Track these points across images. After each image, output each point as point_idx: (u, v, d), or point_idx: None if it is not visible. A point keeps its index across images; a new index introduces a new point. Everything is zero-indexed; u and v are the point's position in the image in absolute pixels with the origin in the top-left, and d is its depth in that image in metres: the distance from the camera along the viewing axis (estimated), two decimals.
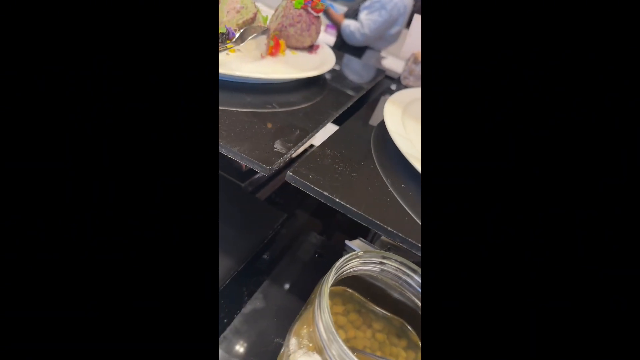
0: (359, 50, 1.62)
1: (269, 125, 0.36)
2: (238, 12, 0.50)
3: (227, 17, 0.50)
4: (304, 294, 0.41)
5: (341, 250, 0.46)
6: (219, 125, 0.33)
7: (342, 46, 1.60)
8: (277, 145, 0.33)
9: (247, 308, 0.39)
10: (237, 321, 0.37)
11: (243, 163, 0.31)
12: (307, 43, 0.54)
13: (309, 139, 0.37)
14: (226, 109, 0.36)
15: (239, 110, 0.37)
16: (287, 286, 0.42)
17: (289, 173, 0.30)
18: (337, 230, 0.60)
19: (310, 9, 0.53)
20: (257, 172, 0.59)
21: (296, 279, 0.43)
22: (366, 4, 1.56)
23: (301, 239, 0.49)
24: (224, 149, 0.31)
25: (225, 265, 0.42)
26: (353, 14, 1.60)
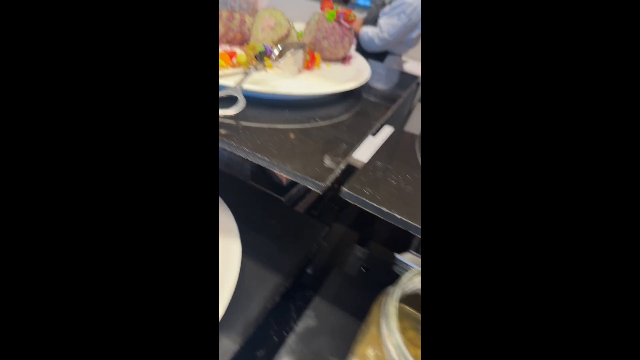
0: (379, 55, 1.61)
1: (316, 141, 0.36)
2: (272, 29, 0.51)
3: (262, 34, 0.51)
4: (356, 310, 0.40)
5: (389, 264, 0.45)
6: (270, 145, 0.33)
7: (361, 54, 1.59)
8: (327, 161, 0.33)
9: (300, 327, 0.38)
10: (291, 340, 0.37)
11: (296, 180, 0.31)
12: (341, 54, 0.54)
13: (354, 152, 0.36)
14: (273, 126, 0.36)
15: (285, 127, 0.37)
16: (338, 303, 0.41)
17: (344, 189, 0.29)
18: (376, 241, 0.59)
19: (342, 21, 0.53)
20: (295, 185, 0.59)
21: (346, 295, 0.42)
22: (385, 9, 1.55)
23: (345, 253, 0.48)
24: (277, 167, 0.31)
25: (274, 282, 0.42)
26: (372, 21, 1.60)
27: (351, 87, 0.43)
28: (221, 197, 0.49)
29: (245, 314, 0.38)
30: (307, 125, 0.38)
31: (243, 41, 0.53)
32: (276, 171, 0.31)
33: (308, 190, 0.62)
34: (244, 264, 0.43)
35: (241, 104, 0.34)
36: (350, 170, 0.35)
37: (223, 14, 0.50)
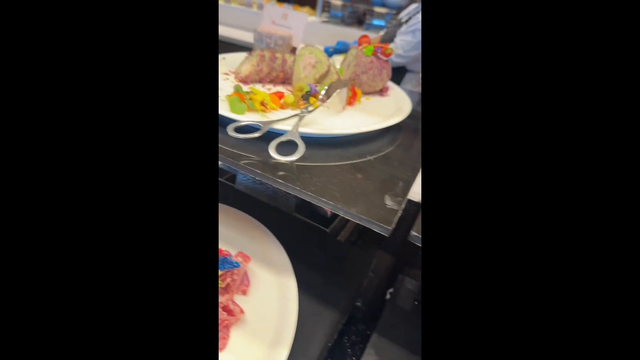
0: (397, 74, 1.63)
1: (372, 180, 0.36)
2: (314, 67, 0.53)
3: (304, 72, 0.53)
4: (415, 346, 0.40)
5: None
6: (330, 186, 0.34)
7: None
8: (388, 201, 0.33)
9: None
10: None
11: (362, 224, 0.31)
12: (379, 87, 0.55)
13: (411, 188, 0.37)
14: (328, 165, 0.37)
15: (339, 164, 0.38)
16: (395, 339, 0.41)
17: (413, 233, 0.30)
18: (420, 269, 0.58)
19: (380, 55, 0.54)
20: (338, 215, 0.60)
21: (403, 330, 0.42)
22: (402, 29, 1.58)
23: (397, 285, 0.48)
24: (342, 211, 0.32)
25: (330, 318, 0.42)
26: (389, 41, 1.63)
27: (398, 120, 0.44)
28: (270, 230, 0.50)
29: (307, 353, 0.38)
30: (360, 163, 0.39)
31: (285, 80, 0.55)
32: (341, 214, 0.32)
33: (347, 220, 0.62)
34: (299, 299, 0.43)
35: (302, 149, 0.35)
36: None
37: (266, 54, 0.53)
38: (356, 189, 0.34)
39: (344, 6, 2.10)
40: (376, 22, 1.98)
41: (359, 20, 2.14)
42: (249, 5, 2.21)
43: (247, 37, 2.04)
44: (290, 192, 0.34)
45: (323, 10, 2.19)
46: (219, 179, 0.62)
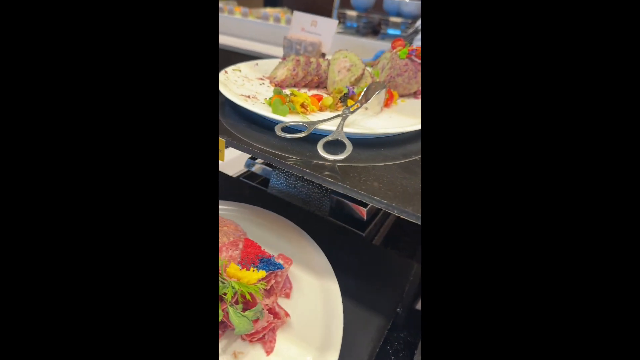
0: None
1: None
2: (349, 70, 0.53)
3: (339, 76, 0.53)
4: None
5: None
6: (381, 185, 0.33)
7: None
8: None
9: None
10: None
11: (419, 223, 0.31)
12: (414, 89, 0.55)
13: None
14: (376, 164, 0.37)
15: (386, 164, 0.37)
16: None
17: None
18: None
19: (414, 57, 0.54)
20: (374, 220, 0.59)
21: None
22: (418, 36, 1.59)
23: None
24: (397, 210, 0.31)
25: (376, 324, 0.41)
26: None
27: None
28: (308, 234, 0.49)
29: (355, 359, 0.37)
30: (406, 163, 0.38)
31: (319, 84, 0.55)
32: (395, 213, 0.32)
33: (382, 224, 0.61)
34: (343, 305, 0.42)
35: (349, 149, 0.35)
36: None
37: (301, 59, 0.53)
38: (408, 189, 0.34)
39: (359, 17, 2.12)
40: (391, 31, 1.99)
41: (374, 31, 2.16)
42: (266, 18, 2.27)
43: (265, 49, 2.08)
44: (341, 191, 0.33)
45: (338, 22, 2.22)
46: (252, 183, 0.63)
